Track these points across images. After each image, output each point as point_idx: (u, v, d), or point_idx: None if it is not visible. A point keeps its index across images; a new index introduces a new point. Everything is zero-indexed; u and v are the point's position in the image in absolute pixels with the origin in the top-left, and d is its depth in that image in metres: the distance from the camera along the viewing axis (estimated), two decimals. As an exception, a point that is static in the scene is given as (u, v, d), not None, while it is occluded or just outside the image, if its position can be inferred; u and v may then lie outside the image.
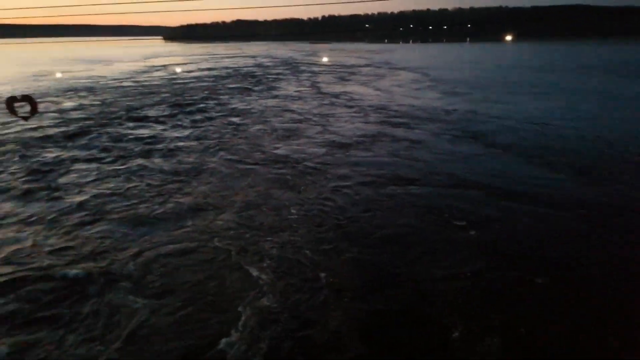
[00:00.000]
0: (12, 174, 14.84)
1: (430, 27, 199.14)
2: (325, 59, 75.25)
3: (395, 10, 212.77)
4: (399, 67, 60.14)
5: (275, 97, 32.96)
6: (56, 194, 13.01)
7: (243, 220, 11.06)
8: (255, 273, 8.65)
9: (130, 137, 20.15)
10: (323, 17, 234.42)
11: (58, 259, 9.23)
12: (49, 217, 11.32)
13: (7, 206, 12.07)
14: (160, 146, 18.41)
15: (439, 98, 31.28)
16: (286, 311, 7.50)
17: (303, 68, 60.92)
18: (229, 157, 16.74)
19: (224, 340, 6.82)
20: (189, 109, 27.64)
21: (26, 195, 12.89)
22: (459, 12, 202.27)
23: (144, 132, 21.24)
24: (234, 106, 28.65)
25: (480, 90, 34.77)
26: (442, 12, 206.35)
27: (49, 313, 7.49)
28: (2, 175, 14.67)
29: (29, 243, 9.91)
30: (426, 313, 7.48)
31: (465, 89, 35.56)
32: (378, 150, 17.55)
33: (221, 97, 33.18)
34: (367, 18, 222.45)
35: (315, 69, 59.45)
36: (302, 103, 29.74)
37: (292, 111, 26.55)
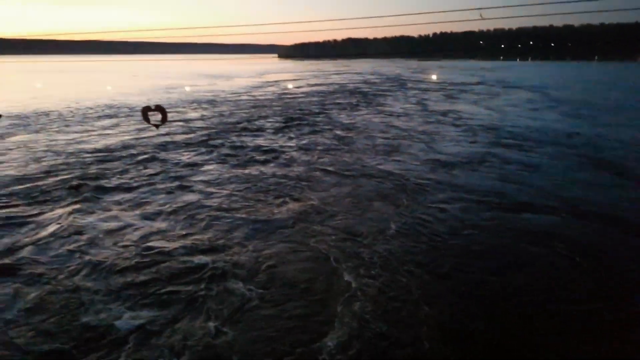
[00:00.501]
0: (150, 171, 17.25)
1: (553, 44, 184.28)
2: (434, 77, 73.99)
3: (514, 27, 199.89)
4: (515, 85, 56.76)
5: (381, 112, 33.37)
6: (186, 190, 14.86)
7: (344, 228, 11.54)
8: (351, 278, 9.01)
9: (247, 145, 22.05)
10: (434, 34, 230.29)
11: (184, 244, 10.60)
12: (179, 209, 13.00)
13: (148, 197, 14.11)
14: (273, 155, 19.87)
15: (559, 120, 28.94)
16: (379, 319, 7.71)
17: (410, 85, 60.64)
18: (334, 168, 17.47)
19: (320, 335, 7.27)
20: (298, 122, 29.31)
21: (162, 190, 14.92)
22: (587, 28, 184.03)
23: (259, 141, 23.07)
24: (340, 120, 29.69)
25: (609, 114, 31.40)
26: (567, 28, 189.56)
27: (173, 290, 8.65)
28: (143, 171, 17.12)
29: (162, 228, 11.51)
30: (530, 345, 7.14)
31: (592, 112, 32.38)
32: (485, 172, 16.90)
33: (328, 111, 34.57)
34: (482, 35, 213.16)
35: (423, 86, 58.78)
36: (407, 120, 29.72)
37: (397, 127, 26.68)
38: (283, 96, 48.08)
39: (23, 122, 29.11)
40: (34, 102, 40.68)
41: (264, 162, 18.52)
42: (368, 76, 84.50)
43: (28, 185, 15.24)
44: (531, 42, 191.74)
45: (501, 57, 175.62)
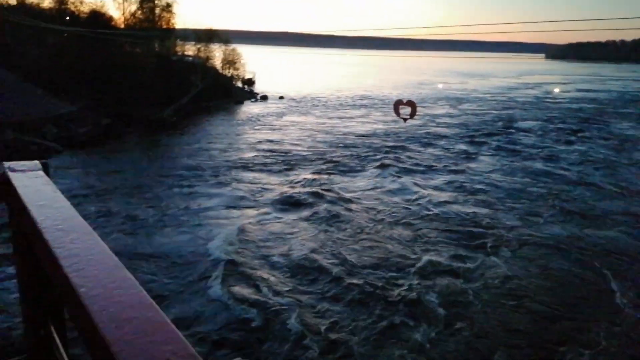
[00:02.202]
0: (402, 156, 18.20)
1: None
2: None
3: None
4: None
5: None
6: (453, 169, 16.05)
7: (616, 247, 10.02)
8: (619, 300, 7.80)
9: (504, 146, 20.56)
10: None
11: (440, 209, 11.84)
12: (443, 186, 14.34)
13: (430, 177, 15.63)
14: (538, 159, 18.18)
15: None
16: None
17: None
18: (609, 182, 14.95)
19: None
20: (561, 125, 25.91)
21: (437, 171, 16.36)
22: None
23: (514, 144, 21.15)
24: (619, 132, 24.59)
25: None
26: None
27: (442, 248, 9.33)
28: (398, 155, 18.16)
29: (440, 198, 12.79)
30: None
31: None
32: None
33: (602, 120, 29.10)
34: None
35: None
36: None
37: None
38: (545, 100, 43.01)
39: (295, 104, 34.77)
40: (306, 88, 47.56)
41: (530, 160, 17.54)
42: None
43: (317, 155, 18.30)
44: None
45: None
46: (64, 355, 0.91)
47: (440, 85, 58.05)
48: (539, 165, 17.24)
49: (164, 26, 30.58)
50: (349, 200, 12.59)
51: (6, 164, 1.09)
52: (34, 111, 19.27)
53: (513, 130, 24.62)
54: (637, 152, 19.90)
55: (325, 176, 15.04)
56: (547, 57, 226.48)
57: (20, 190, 0.94)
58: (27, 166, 1.11)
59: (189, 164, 16.28)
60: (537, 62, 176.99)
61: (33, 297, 1.03)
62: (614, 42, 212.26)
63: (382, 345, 6.50)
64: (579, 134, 23.78)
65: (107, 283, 0.59)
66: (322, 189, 13.54)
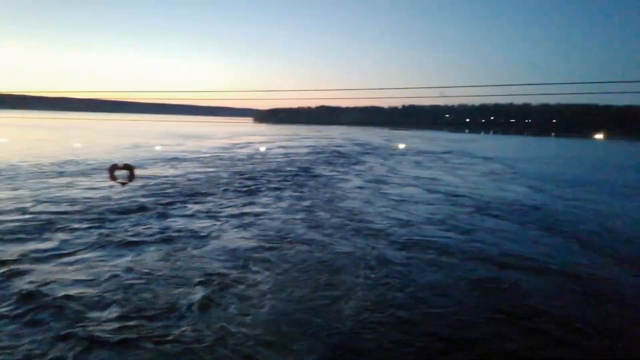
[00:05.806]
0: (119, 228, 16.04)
1: (513, 120, 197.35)
2: (402, 146, 76.21)
3: (477, 103, 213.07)
4: (477, 156, 59.09)
5: (359, 174, 33.52)
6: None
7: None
8: None
9: (213, 208, 21.18)
10: (403, 106, 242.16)
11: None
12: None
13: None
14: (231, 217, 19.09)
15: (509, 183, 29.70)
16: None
17: (382, 152, 62.19)
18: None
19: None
20: (261, 182, 28.99)
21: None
22: (544, 107, 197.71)
23: (216, 206, 22.27)
24: (307, 183, 29.48)
25: (569, 187, 32.62)
26: (526, 106, 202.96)
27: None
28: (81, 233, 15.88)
29: None
30: None
31: (553, 186, 33.61)
32: (443, 228, 16.59)
33: (311, 168, 34.48)
34: (448, 109, 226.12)
35: (392, 152, 60.37)
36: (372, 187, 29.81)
37: (366, 188, 26.61)
38: (255, 156, 48.14)
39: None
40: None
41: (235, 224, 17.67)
42: (340, 141, 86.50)
43: None
44: (492, 118, 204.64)
45: (466, 130, 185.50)
46: None
47: (158, 147, 57.02)
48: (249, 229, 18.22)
49: None
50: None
51: None
52: None
53: (210, 192, 25.98)
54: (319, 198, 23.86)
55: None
56: (255, 120, 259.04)
57: None
58: None
59: None
60: (248, 125, 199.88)
61: None
62: (303, 108, 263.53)
63: None
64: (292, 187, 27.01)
65: None
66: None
